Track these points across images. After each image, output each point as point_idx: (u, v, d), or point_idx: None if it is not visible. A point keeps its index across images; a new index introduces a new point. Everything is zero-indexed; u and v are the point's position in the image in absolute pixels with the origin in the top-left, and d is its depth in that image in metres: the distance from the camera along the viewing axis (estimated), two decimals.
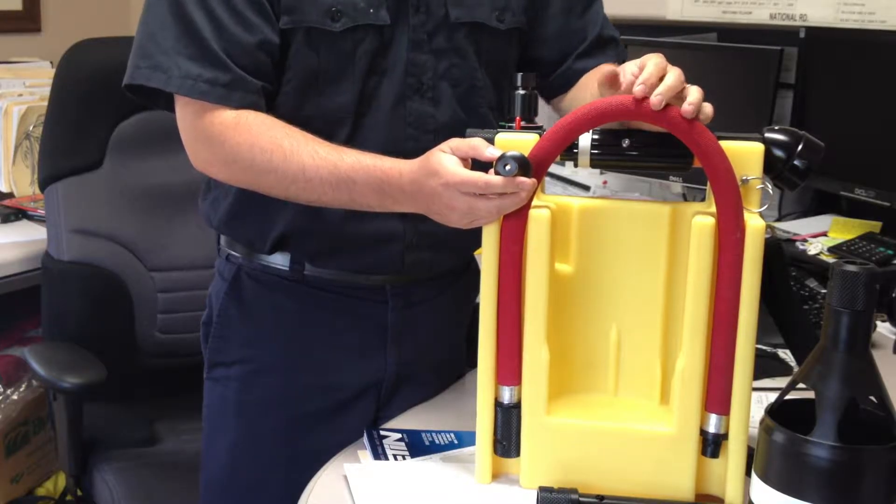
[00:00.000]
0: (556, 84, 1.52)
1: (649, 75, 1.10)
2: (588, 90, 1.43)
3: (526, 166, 1.09)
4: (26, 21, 3.34)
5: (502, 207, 1.11)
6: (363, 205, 1.25)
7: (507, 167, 1.09)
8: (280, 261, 1.43)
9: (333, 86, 1.33)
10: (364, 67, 1.33)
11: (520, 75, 1.22)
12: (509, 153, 1.09)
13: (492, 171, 1.11)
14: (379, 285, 1.44)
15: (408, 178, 1.18)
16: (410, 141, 1.35)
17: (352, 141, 1.32)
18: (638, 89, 1.09)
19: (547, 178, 1.19)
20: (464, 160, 1.14)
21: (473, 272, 1.18)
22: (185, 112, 1.31)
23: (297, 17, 1.30)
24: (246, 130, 1.27)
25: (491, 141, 1.15)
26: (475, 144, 1.13)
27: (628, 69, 1.13)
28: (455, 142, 1.15)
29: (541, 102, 1.28)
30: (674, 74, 1.11)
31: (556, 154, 1.13)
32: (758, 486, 0.98)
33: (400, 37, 1.34)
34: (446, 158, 1.13)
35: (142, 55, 1.30)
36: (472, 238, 1.18)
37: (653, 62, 1.12)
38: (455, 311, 1.55)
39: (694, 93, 1.11)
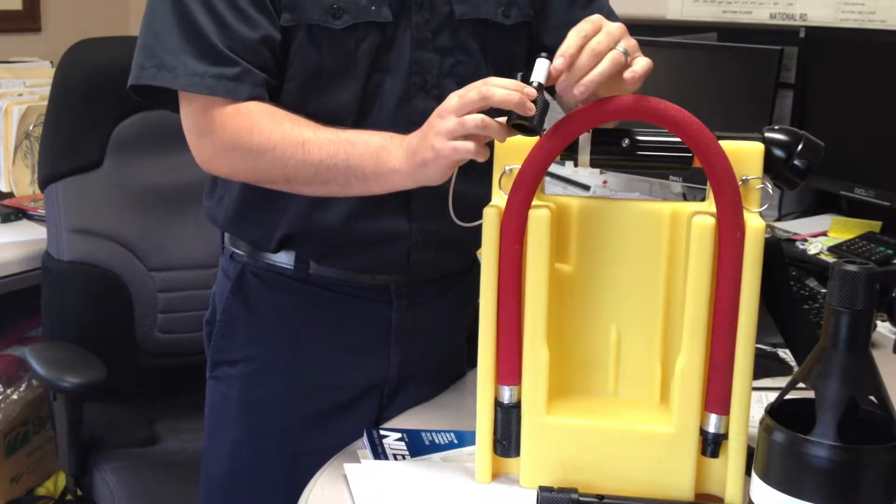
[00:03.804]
0: None
1: (569, 47, 1.09)
2: None
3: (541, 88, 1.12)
4: (26, 21, 3.34)
5: (487, 122, 1.12)
6: (359, 176, 1.23)
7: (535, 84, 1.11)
8: (285, 260, 1.43)
9: (336, 83, 1.33)
10: (366, 65, 1.33)
11: (520, 75, 1.22)
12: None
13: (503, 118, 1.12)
14: (384, 285, 1.44)
15: (409, 137, 1.20)
16: None
17: None
18: (558, 62, 1.09)
19: (547, 178, 1.19)
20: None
21: (477, 273, 1.18)
22: (189, 109, 1.31)
23: (298, 14, 1.30)
24: (247, 116, 1.27)
25: None
26: (486, 92, 1.12)
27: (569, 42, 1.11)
28: (463, 90, 1.15)
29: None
30: (609, 61, 1.10)
31: (556, 154, 1.13)
32: (758, 486, 0.98)
33: (403, 34, 1.34)
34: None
35: (147, 55, 1.30)
36: (478, 237, 1.18)
37: (578, 34, 1.11)
38: (458, 311, 1.55)
39: (640, 63, 1.11)
